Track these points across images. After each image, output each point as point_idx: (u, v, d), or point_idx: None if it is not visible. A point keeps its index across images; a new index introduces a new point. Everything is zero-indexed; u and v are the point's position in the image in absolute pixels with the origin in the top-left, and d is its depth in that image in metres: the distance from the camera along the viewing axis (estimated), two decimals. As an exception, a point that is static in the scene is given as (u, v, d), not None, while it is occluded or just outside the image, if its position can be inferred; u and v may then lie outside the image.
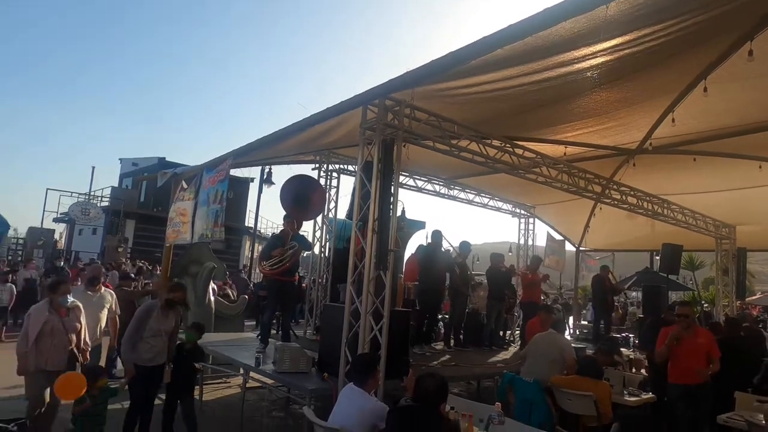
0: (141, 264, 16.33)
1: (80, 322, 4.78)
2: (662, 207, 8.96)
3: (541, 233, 12.36)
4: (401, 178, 8.13)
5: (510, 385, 5.33)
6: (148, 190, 25.28)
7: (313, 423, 3.62)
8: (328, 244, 8.66)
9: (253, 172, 20.65)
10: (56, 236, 23.93)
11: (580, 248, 12.80)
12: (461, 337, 8.57)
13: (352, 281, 5.04)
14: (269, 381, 6.05)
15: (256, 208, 20.98)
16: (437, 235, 8.02)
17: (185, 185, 8.05)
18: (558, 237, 12.35)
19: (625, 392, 5.62)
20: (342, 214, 8.76)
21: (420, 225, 9.30)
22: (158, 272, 13.03)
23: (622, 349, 7.88)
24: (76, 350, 4.65)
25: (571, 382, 5.15)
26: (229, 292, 11.66)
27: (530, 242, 12.12)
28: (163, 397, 4.98)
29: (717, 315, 10.76)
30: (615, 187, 8.25)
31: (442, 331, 9.24)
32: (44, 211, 22.77)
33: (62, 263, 14.79)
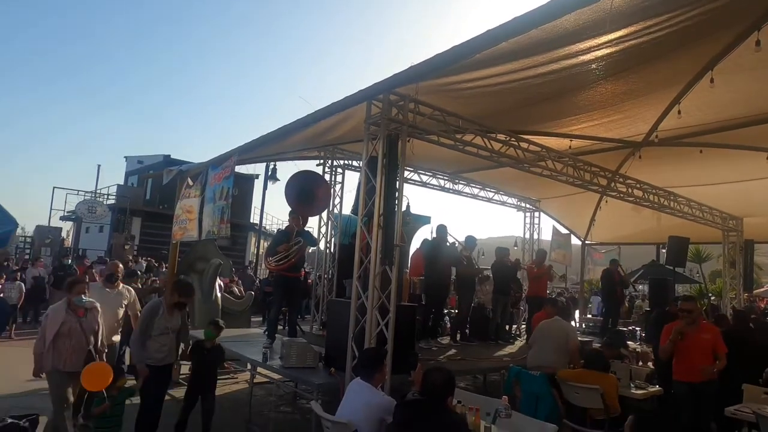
0: (149, 260, 16.43)
1: (98, 323, 4.72)
2: (668, 199, 8.92)
3: (547, 227, 12.33)
4: (406, 173, 8.13)
5: (516, 378, 5.35)
6: (153, 188, 25.34)
7: (320, 417, 3.65)
8: (333, 239, 8.68)
9: (258, 168, 20.74)
10: (63, 234, 24.11)
11: (586, 242, 12.76)
12: (467, 331, 8.58)
13: (357, 276, 5.05)
14: (276, 376, 6.08)
15: (261, 204, 21.02)
16: (442, 230, 8.02)
17: (191, 182, 8.08)
18: (563, 231, 12.31)
19: (632, 385, 5.62)
20: (347, 210, 8.79)
21: (425, 220, 9.31)
22: (164, 269, 13.12)
23: (628, 342, 7.87)
24: (94, 351, 4.60)
25: (578, 376, 5.16)
26: (236, 288, 11.72)
27: (536, 236, 12.10)
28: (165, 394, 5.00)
29: (724, 308, 10.70)
30: (621, 180, 8.21)
31: (448, 325, 9.26)
32: (51, 209, 22.97)
33: (70, 260, 14.87)
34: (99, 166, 29.70)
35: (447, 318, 9.63)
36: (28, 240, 22.81)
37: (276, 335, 6.85)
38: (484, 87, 4.97)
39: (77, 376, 4.50)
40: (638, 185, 8.38)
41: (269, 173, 16.37)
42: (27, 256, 17.16)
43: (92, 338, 4.59)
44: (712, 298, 18.63)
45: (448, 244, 8.20)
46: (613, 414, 4.81)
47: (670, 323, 5.30)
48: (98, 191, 25.79)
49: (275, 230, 19.39)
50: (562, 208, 11.91)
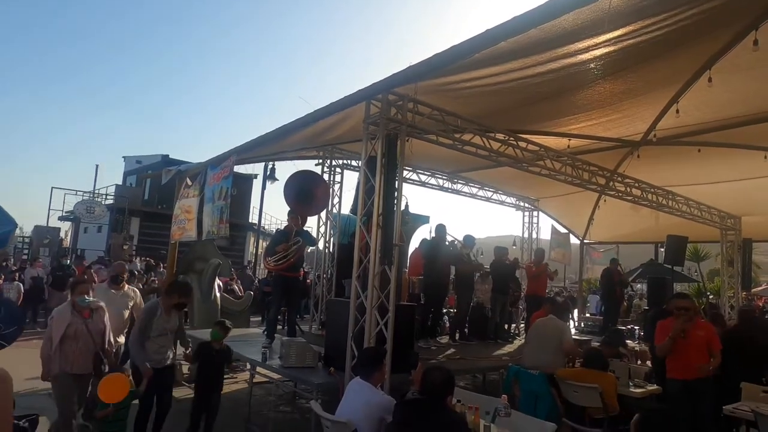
0: (147, 261, 16.42)
1: (105, 323, 4.65)
2: (667, 198, 8.93)
3: (545, 226, 12.38)
4: (405, 173, 8.13)
5: (515, 377, 5.36)
6: (152, 188, 25.33)
7: (320, 417, 3.65)
8: (332, 239, 8.68)
9: (257, 168, 20.70)
10: (62, 234, 24.07)
11: (585, 241, 12.78)
12: (466, 330, 8.59)
13: (357, 276, 5.05)
14: (276, 376, 6.08)
15: (260, 204, 21.01)
16: (441, 229, 8.03)
17: (189, 182, 8.09)
18: (562, 230, 12.34)
19: (631, 384, 5.62)
20: (346, 210, 8.79)
21: (424, 219, 9.32)
22: (161, 269, 13.12)
23: (627, 341, 7.88)
24: (102, 353, 4.53)
25: (576, 375, 5.17)
26: (236, 287, 11.72)
27: (534, 235, 12.11)
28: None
29: (722, 306, 10.73)
30: (619, 179, 8.23)
31: (447, 324, 9.27)
32: (50, 209, 22.94)
33: (69, 261, 14.86)
34: (97, 166, 29.75)
35: (446, 317, 9.64)
36: (27, 240, 22.77)
37: (275, 335, 6.85)
38: (483, 87, 4.98)
39: (85, 379, 4.47)
40: (636, 184, 8.40)
41: (268, 173, 16.37)
42: (25, 257, 17.13)
43: (99, 339, 4.52)
44: (711, 296, 18.67)
45: (447, 243, 8.21)
46: (612, 413, 4.83)
47: (664, 320, 5.21)
48: (96, 191, 25.80)
49: (274, 230, 19.39)
50: (561, 207, 11.92)
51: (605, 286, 10.99)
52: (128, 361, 5.10)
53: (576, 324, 11.65)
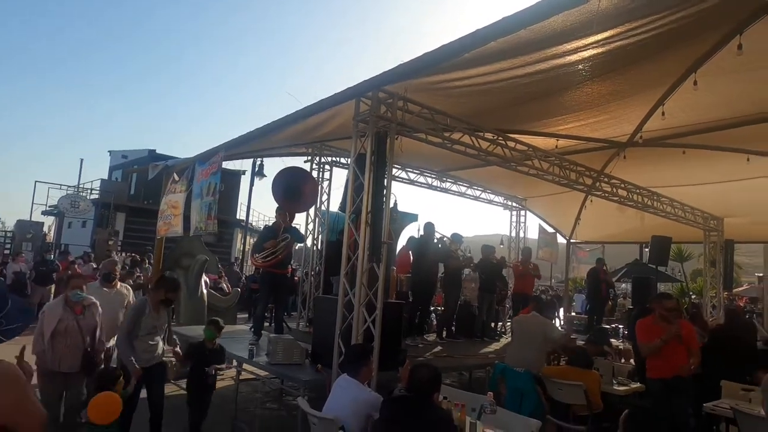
0: (133, 256, 16.22)
1: (97, 321, 4.50)
2: (652, 199, 9.06)
3: (533, 226, 12.48)
4: (394, 171, 8.14)
5: (501, 375, 5.40)
6: (138, 183, 25.06)
7: (307, 414, 3.65)
8: (320, 236, 8.67)
9: (245, 164, 20.58)
10: (45, 229, 23.73)
11: (571, 240, 12.90)
12: (453, 328, 8.64)
13: (345, 273, 5.06)
14: (263, 373, 6.06)
15: (248, 200, 20.92)
16: (429, 228, 8.06)
17: (177, 177, 8.02)
18: (549, 229, 12.46)
19: (614, 382, 5.71)
20: (335, 207, 8.78)
21: (412, 217, 9.34)
22: (147, 265, 12.99)
23: (611, 340, 8.00)
24: (92, 351, 4.39)
25: (561, 372, 5.24)
26: (224, 284, 11.65)
27: (522, 234, 12.22)
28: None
29: (704, 306, 10.91)
30: (605, 179, 8.32)
31: (435, 322, 9.32)
32: (33, 203, 22.56)
33: (53, 256, 14.65)
34: (82, 160, 29.26)
35: (433, 315, 9.69)
36: (9, 235, 22.39)
37: (262, 332, 6.83)
38: (473, 86, 5.00)
39: (73, 378, 4.34)
40: (622, 185, 8.50)
41: (256, 169, 16.29)
42: (8, 251, 16.87)
43: (89, 338, 4.39)
44: (693, 296, 18.97)
45: (435, 241, 8.25)
46: (596, 410, 4.90)
47: (644, 319, 5.23)
48: (81, 186, 25.40)
49: (262, 227, 19.31)
50: (548, 206, 12.03)
51: (591, 285, 11.17)
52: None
53: (561, 323, 11.77)
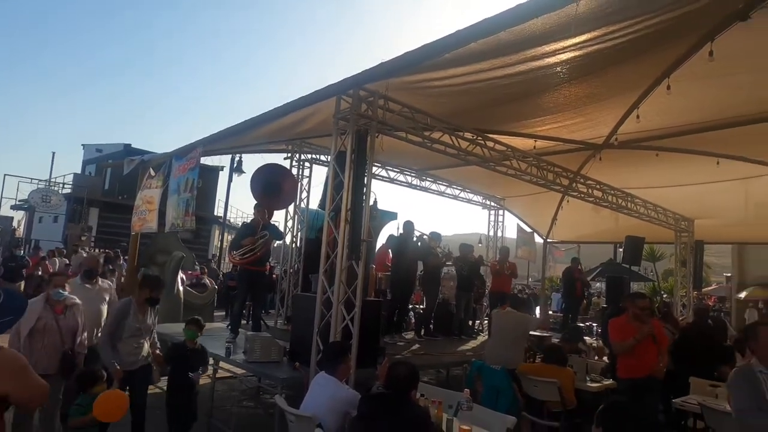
0: (106, 252, 15.88)
1: (78, 322, 4.34)
2: (626, 200, 9.27)
3: (511, 225, 12.64)
4: (373, 169, 8.15)
5: (478, 372, 5.47)
6: (113, 178, 24.53)
7: (285, 411, 3.64)
8: (299, 233, 8.63)
9: (223, 160, 20.32)
10: (14, 224, 23.07)
11: (548, 240, 13.10)
12: (431, 326, 8.70)
13: (324, 271, 5.05)
14: (239, 371, 6.01)
15: (226, 196, 20.65)
16: (408, 226, 8.09)
17: (153, 173, 7.89)
18: (527, 229, 12.63)
19: (588, 378, 5.83)
20: (314, 204, 8.74)
21: (392, 216, 9.36)
22: (121, 262, 12.75)
23: (585, 338, 8.16)
24: (71, 353, 4.21)
25: (537, 370, 5.32)
26: (207, 281, 11.49)
27: (500, 234, 12.34)
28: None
29: (675, 305, 11.21)
30: (582, 180, 8.47)
31: (413, 320, 9.37)
32: (2, 197, 21.93)
33: (22, 251, 14.25)
34: (54, 153, 28.44)
35: (411, 313, 9.74)
36: (-24, 229, 21.70)
37: (240, 330, 6.78)
38: (453, 86, 5.04)
39: (49, 380, 4.18)
40: (598, 186, 8.67)
41: (235, 165, 16.11)
42: (-26, 246, 16.32)
43: (69, 338, 4.22)
44: (665, 295, 19.47)
45: (414, 239, 8.28)
46: (570, 406, 4.99)
47: (617, 318, 5.27)
48: (53, 180, 24.77)
49: (240, 223, 19.09)
50: (526, 206, 12.18)
51: (566, 284, 11.39)
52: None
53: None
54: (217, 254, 22.73)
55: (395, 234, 8.53)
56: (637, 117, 6.22)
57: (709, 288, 26.44)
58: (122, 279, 9.43)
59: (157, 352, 4.80)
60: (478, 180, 10.47)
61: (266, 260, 7.41)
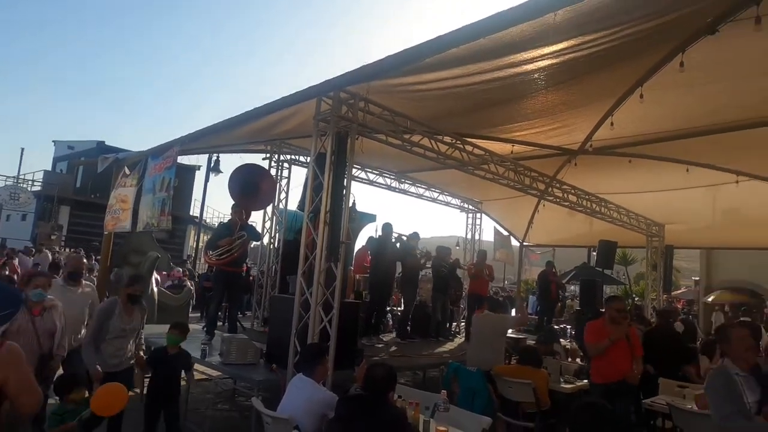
0: (77, 251, 15.49)
1: (57, 325, 4.11)
2: (600, 205, 9.48)
3: (488, 228, 12.78)
4: (353, 171, 8.16)
5: (455, 374, 5.52)
6: (85, 176, 23.97)
7: (261, 413, 3.62)
8: (278, 235, 8.57)
9: (200, 159, 20.04)
10: (-20, 222, 22.34)
11: (524, 243, 13.29)
12: (409, 328, 8.74)
13: (302, 272, 5.03)
14: (215, 373, 5.94)
15: (203, 196, 20.37)
16: (387, 228, 8.12)
17: (128, 171, 7.75)
18: (504, 232, 12.80)
19: (562, 380, 5.93)
20: (292, 205, 8.70)
21: (371, 218, 9.39)
22: (93, 261, 12.46)
23: (561, 340, 8.30)
24: (48, 357, 3.99)
25: (512, 371, 5.40)
26: (188, 283, 11.31)
27: (477, 237, 12.47)
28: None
29: (646, 308, 11.48)
30: (557, 185, 8.63)
31: (391, 322, 9.39)
32: (-33, 194, 21.18)
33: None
34: (23, 149, 27.68)
35: (390, 315, 9.76)
36: (-61, 227, 20.95)
37: (215, 331, 6.69)
38: (433, 90, 5.09)
39: None
40: (573, 191, 8.85)
41: (212, 165, 15.92)
42: (-63, 245, 15.75)
43: (46, 341, 3.99)
44: (636, 299, 19.92)
45: (393, 240, 8.31)
46: (544, 407, 5.08)
47: (594, 321, 5.31)
48: (22, 176, 24.08)
49: (216, 223, 18.86)
50: (503, 210, 12.34)
51: (541, 287, 11.57)
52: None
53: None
54: (193, 255, 22.40)
55: (374, 236, 8.55)
56: (612, 124, 6.38)
57: (679, 291, 27.16)
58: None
59: (141, 354, 4.62)
60: (456, 183, 10.57)
61: (243, 261, 7.35)
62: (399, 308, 9.97)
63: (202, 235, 21.94)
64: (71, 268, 5.16)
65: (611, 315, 5.02)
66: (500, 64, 4.43)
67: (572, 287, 20.93)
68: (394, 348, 7.51)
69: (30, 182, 24.00)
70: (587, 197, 9.15)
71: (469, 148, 6.80)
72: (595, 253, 12.65)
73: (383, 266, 7.87)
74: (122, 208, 7.49)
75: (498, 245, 12.34)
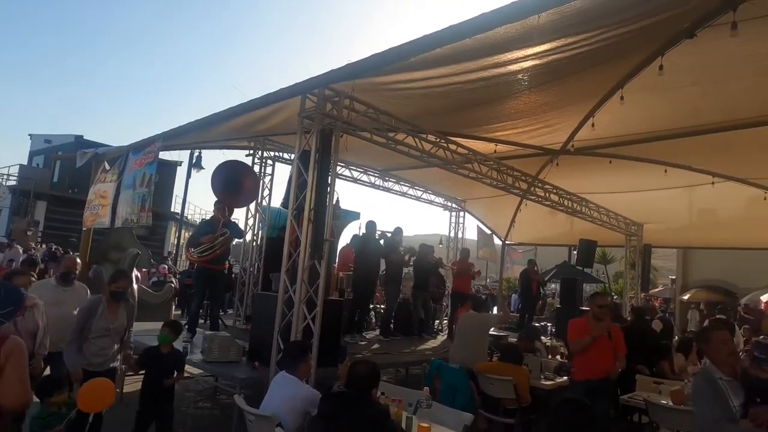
0: (55, 248, 15.19)
1: (39, 324, 4.03)
2: (580, 205, 9.63)
3: (471, 227, 12.88)
4: (337, 168, 8.15)
5: (437, 371, 5.56)
6: (63, 170, 23.42)
7: (243, 411, 3.61)
8: (260, 232, 8.52)
9: (182, 155, 19.75)
10: (-48, 216, 21.71)
11: (506, 242, 13.43)
12: (392, 325, 8.76)
13: (286, 270, 5.02)
14: (196, 371, 5.90)
15: (184, 193, 20.08)
16: (371, 226, 8.13)
17: (107, 166, 7.61)
18: (487, 231, 12.91)
19: (542, 377, 6.02)
20: (276, 203, 8.65)
21: (354, 215, 9.38)
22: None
23: (542, 337, 8.41)
24: (30, 356, 3.71)
25: (493, 368, 5.46)
26: (174, 280, 11.15)
27: (460, 235, 12.56)
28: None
29: (624, 305, 11.69)
30: (539, 184, 8.74)
31: (374, 320, 9.41)
32: (-62, 188, 20.58)
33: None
34: (-3, 143, 26.93)
35: (372, 312, 9.78)
36: None
37: (197, 329, 6.64)
38: (418, 89, 5.11)
39: None
40: (555, 190, 8.97)
41: (194, 161, 15.70)
42: None
43: (28, 341, 3.84)
44: (615, 297, 20.27)
45: (376, 238, 8.32)
46: (524, 403, 5.15)
47: (578, 319, 5.40)
48: (-4, 170, 23.46)
49: (198, 220, 18.65)
50: (486, 208, 12.46)
51: (522, 285, 11.72)
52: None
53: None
54: (174, 252, 22.10)
55: (358, 234, 8.55)
56: (593, 125, 6.48)
57: (656, 290, 27.69)
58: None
59: (129, 352, 4.52)
60: (439, 182, 10.63)
61: (225, 259, 7.29)
62: (382, 306, 9.99)
63: (183, 231, 21.67)
64: (65, 268, 4.99)
65: (594, 312, 5.05)
66: (484, 64, 4.47)
67: (553, 285, 21.21)
68: (377, 345, 7.54)
69: (5, 176, 23.41)
70: (568, 197, 9.29)
71: (452, 147, 6.84)
72: (575, 252, 12.85)
73: (367, 264, 7.88)
74: (102, 204, 7.36)
75: (481, 243, 12.45)
